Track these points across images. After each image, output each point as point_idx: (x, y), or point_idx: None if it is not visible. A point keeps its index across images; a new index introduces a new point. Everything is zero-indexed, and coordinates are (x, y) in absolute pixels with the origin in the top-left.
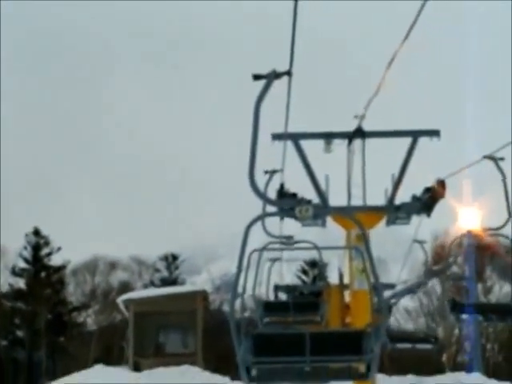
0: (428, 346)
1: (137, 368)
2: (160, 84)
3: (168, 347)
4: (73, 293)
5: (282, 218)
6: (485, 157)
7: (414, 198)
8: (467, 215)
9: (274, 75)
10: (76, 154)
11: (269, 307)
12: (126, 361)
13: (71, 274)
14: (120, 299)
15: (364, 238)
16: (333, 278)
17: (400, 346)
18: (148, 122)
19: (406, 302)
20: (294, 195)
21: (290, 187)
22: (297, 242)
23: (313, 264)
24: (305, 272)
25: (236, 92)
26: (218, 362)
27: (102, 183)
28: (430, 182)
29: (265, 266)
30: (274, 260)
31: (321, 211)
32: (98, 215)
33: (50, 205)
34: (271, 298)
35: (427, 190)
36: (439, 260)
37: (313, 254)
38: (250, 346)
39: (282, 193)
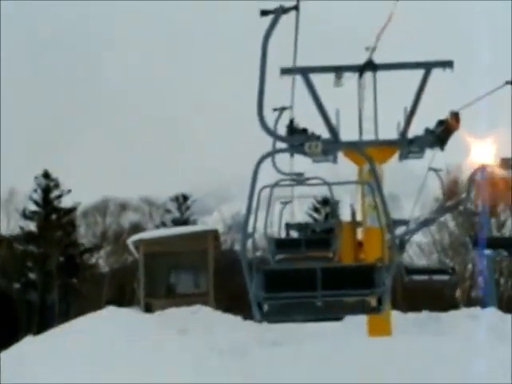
0: (445, 277)
1: (148, 309)
2: (167, 21)
3: (179, 288)
4: (84, 235)
5: (292, 155)
6: (507, 82)
7: (427, 131)
8: (481, 149)
9: (282, 10)
10: (85, 95)
11: (280, 244)
12: (137, 302)
13: (82, 216)
14: (130, 240)
15: (374, 174)
16: (345, 216)
17: (416, 278)
18: (158, 60)
19: (419, 237)
20: (304, 130)
21: (300, 123)
22: (307, 179)
23: (324, 202)
24: (316, 210)
25: (245, 27)
26: (229, 301)
27: (112, 124)
28: (444, 115)
29: (275, 205)
30: (285, 203)
31: (331, 146)
32: (108, 156)
33: (59, 147)
34: (283, 236)
35: (441, 122)
36: (452, 195)
37: (324, 192)
38: (262, 282)
39: (291, 129)
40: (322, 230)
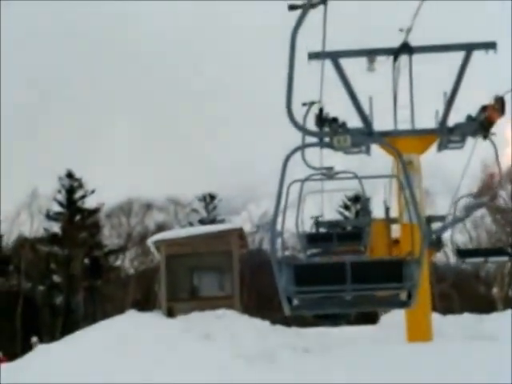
0: (504, 259)
1: (170, 313)
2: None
3: (203, 290)
4: (108, 236)
5: (321, 149)
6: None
7: (469, 118)
8: None
9: (310, 4)
10: (109, 94)
11: (312, 239)
12: (159, 306)
13: (106, 216)
14: (150, 240)
15: (403, 167)
16: (378, 213)
17: (470, 260)
18: (188, 58)
19: (455, 235)
20: (335, 120)
21: (331, 112)
22: (337, 173)
23: (355, 199)
24: (347, 207)
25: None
26: (258, 304)
27: (137, 123)
28: (486, 101)
29: (306, 200)
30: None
31: (360, 138)
32: (132, 155)
33: (82, 147)
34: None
35: (484, 108)
36: (488, 190)
37: (356, 186)
38: (291, 277)
39: (321, 118)
40: (353, 227)
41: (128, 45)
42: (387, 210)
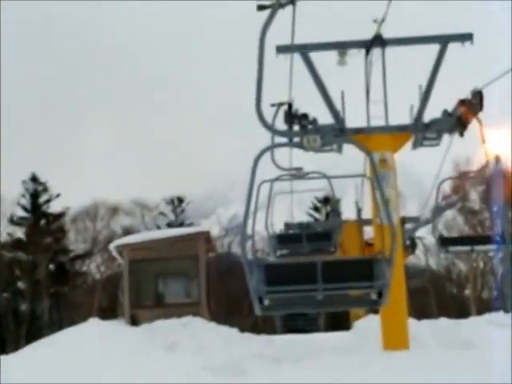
0: (491, 247)
1: (134, 321)
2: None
3: (168, 297)
4: (74, 241)
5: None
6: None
7: (446, 113)
8: (495, 138)
9: (279, 5)
10: (73, 96)
11: (281, 240)
12: (122, 313)
13: (71, 221)
14: (112, 245)
15: (372, 166)
16: (349, 214)
17: (454, 249)
18: (154, 60)
19: (426, 237)
20: (305, 116)
21: (301, 108)
22: (307, 174)
23: (325, 200)
24: (317, 209)
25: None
26: (227, 309)
27: (103, 127)
28: (463, 95)
29: (275, 203)
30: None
31: (331, 139)
32: (98, 159)
33: (46, 150)
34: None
35: (462, 102)
36: (459, 191)
37: (325, 188)
38: (262, 277)
39: (290, 114)
40: (323, 230)
41: (97, 47)
42: (359, 210)
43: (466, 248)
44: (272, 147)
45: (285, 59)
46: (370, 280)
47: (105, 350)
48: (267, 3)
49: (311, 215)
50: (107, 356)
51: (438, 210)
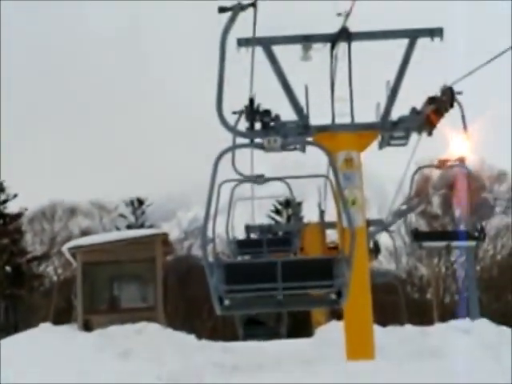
0: (471, 243)
1: (87, 326)
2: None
3: (123, 302)
4: (31, 242)
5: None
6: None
7: (414, 111)
8: (459, 142)
9: (240, 7)
10: (30, 94)
11: (242, 245)
12: (75, 318)
13: (28, 221)
14: (65, 247)
15: (332, 166)
16: (311, 217)
17: (428, 245)
18: (113, 58)
19: (387, 241)
20: (267, 112)
21: (263, 105)
22: (268, 180)
23: (287, 203)
24: (278, 212)
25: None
26: (186, 312)
27: (61, 126)
28: (433, 92)
29: (236, 206)
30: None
31: (292, 140)
32: (56, 159)
33: (3, 150)
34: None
35: (431, 99)
36: (421, 195)
37: (285, 194)
38: (222, 276)
39: (252, 110)
40: (285, 233)
41: (56, 45)
42: (322, 213)
43: (441, 243)
44: (232, 148)
45: (246, 53)
46: (330, 279)
47: (55, 356)
48: (228, 5)
49: (272, 218)
50: (56, 363)
51: (400, 213)
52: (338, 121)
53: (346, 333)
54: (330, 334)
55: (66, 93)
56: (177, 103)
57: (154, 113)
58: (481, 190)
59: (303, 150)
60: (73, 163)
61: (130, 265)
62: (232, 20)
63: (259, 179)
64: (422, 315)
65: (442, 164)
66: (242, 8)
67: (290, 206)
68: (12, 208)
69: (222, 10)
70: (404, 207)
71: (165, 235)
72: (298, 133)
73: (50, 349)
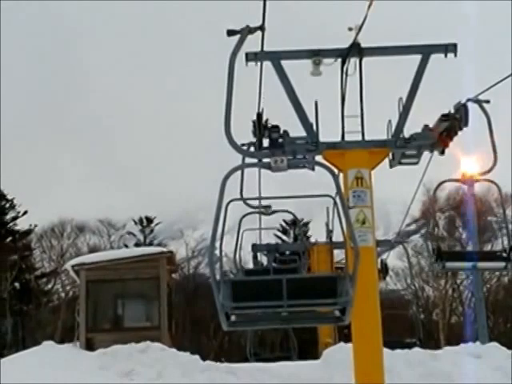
0: (499, 265)
1: (90, 346)
2: (131, 42)
3: (127, 320)
4: (39, 259)
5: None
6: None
7: (427, 128)
8: (467, 164)
9: (248, 30)
10: (42, 112)
11: (249, 273)
12: (77, 337)
13: (37, 239)
14: (69, 264)
15: (336, 185)
16: (318, 237)
17: (452, 265)
18: (124, 84)
19: (394, 261)
20: (276, 127)
21: (271, 119)
22: (275, 212)
23: (294, 223)
24: (285, 232)
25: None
26: (192, 331)
27: (70, 141)
28: (446, 109)
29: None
30: None
31: (295, 162)
32: (65, 177)
33: (13, 167)
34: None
35: (445, 117)
36: (427, 216)
37: (294, 212)
38: (229, 293)
39: (259, 125)
40: (292, 253)
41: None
42: (329, 232)
43: (467, 265)
44: (240, 167)
45: (255, 67)
46: (334, 297)
47: (56, 376)
48: (237, 29)
49: (279, 237)
50: (59, 382)
51: (406, 234)
52: (348, 138)
53: (354, 355)
54: (338, 356)
55: (77, 110)
56: (188, 123)
57: (164, 132)
58: (487, 213)
59: (312, 168)
60: (82, 181)
61: (135, 283)
62: (240, 43)
63: (267, 209)
64: (428, 336)
65: (466, 179)
66: (250, 31)
67: (296, 224)
68: (22, 225)
69: (230, 33)
70: (412, 227)
71: (170, 253)
72: (306, 150)
73: (52, 368)
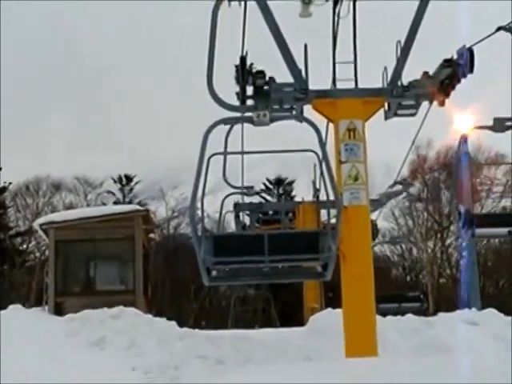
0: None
1: (59, 310)
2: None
3: (99, 283)
4: (14, 218)
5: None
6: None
7: (427, 75)
8: (462, 119)
9: None
10: (15, 65)
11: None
12: (46, 301)
13: (11, 196)
14: (37, 223)
15: (319, 142)
16: (301, 196)
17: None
18: (104, 36)
19: (382, 223)
20: (261, 72)
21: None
22: (258, 193)
23: (277, 181)
24: (268, 190)
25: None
26: (172, 293)
27: (48, 98)
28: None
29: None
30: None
31: (276, 116)
32: (41, 133)
33: None
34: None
35: (447, 62)
36: (417, 174)
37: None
38: (210, 247)
39: (243, 70)
40: (275, 212)
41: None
42: (316, 191)
43: (502, 231)
44: (222, 121)
45: (239, 7)
46: (316, 252)
47: (20, 342)
48: None
49: (262, 197)
50: (22, 350)
51: (390, 194)
52: (339, 86)
53: (344, 324)
54: (325, 322)
55: (57, 67)
56: (173, 79)
57: (146, 90)
58: (478, 172)
59: (299, 119)
60: (59, 137)
61: (107, 243)
62: None
63: (249, 190)
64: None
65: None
66: None
67: (280, 184)
68: None
69: None
70: (397, 187)
71: (146, 212)
72: (294, 98)
73: (15, 335)
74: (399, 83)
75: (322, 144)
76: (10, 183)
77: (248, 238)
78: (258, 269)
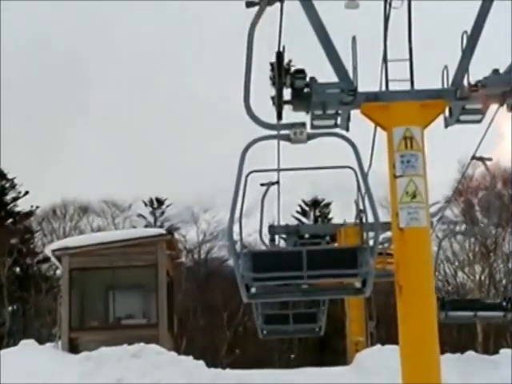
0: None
1: (73, 347)
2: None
3: (119, 317)
4: (41, 243)
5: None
6: None
7: (498, 73)
8: None
9: (267, 1)
10: (46, 90)
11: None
12: (59, 336)
13: (38, 221)
14: (49, 248)
15: (357, 158)
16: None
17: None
18: (139, 59)
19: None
20: (301, 72)
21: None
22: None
23: (314, 203)
24: (304, 213)
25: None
26: (204, 321)
27: (75, 120)
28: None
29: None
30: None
31: (315, 134)
32: (70, 157)
33: (14, 145)
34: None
35: None
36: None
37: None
38: (249, 264)
39: (279, 68)
40: (313, 236)
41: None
42: (360, 212)
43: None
44: (259, 140)
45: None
46: (354, 268)
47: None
48: (255, 0)
49: (297, 219)
50: None
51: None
52: (392, 87)
53: (402, 363)
54: (375, 362)
55: (84, 88)
56: (207, 105)
57: (182, 113)
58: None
59: (346, 127)
60: (87, 160)
61: (128, 271)
62: (259, 14)
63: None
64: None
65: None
66: (269, 2)
67: (317, 206)
68: (22, 206)
69: (248, 4)
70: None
71: (170, 235)
72: (340, 101)
73: (24, 376)
74: (468, 82)
75: (360, 161)
76: (38, 207)
77: (287, 254)
78: (297, 285)
